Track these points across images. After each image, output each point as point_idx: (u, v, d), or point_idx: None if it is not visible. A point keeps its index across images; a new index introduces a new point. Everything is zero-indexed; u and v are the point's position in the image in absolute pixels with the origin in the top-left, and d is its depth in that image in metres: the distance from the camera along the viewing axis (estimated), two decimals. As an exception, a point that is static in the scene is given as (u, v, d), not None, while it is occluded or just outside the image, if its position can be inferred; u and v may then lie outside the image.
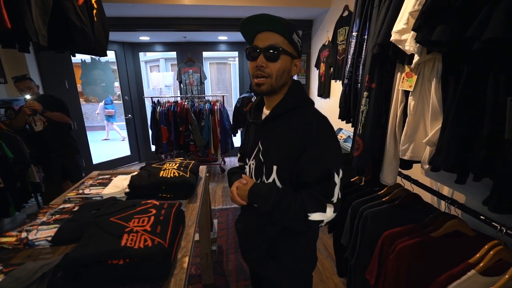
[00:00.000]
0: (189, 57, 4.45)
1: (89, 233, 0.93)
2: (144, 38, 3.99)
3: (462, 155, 0.76)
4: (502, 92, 0.66)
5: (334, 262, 2.08)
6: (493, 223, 0.88)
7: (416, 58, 0.87)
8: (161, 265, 0.89)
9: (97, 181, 1.61)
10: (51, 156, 2.47)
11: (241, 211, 1.02)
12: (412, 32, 0.83)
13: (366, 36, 1.22)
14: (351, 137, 2.56)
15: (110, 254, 0.84)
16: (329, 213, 0.77)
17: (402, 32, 0.88)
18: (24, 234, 1.01)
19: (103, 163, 4.23)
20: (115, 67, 4.27)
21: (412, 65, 0.90)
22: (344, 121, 1.45)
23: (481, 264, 0.83)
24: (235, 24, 3.24)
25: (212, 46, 4.57)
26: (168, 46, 4.51)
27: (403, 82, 0.98)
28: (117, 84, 4.45)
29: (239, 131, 4.52)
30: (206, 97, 4.16)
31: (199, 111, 3.88)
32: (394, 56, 0.97)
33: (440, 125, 0.87)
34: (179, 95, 4.49)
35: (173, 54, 4.61)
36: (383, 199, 1.35)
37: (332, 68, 2.98)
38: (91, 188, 1.48)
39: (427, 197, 1.37)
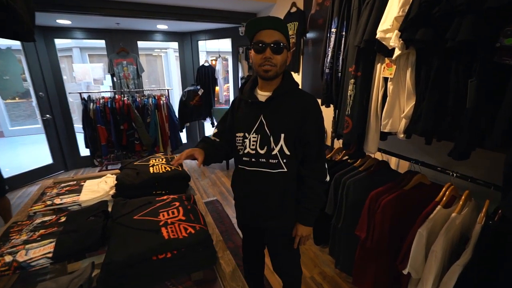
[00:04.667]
0: (121, 46, 4.04)
1: (118, 234, 0.91)
2: (63, 21, 3.41)
3: (435, 122, 1.10)
4: (461, 76, 1.00)
5: (307, 235, 2.38)
6: (447, 171, 1.28)
7: (397, 52, 1.17)
8: (207, 249, 0.94)
9: (64, 189, 1.44)
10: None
11: (243, 183, 1.19)
12: (396, 31, 1.13)
13: (344, 33, 1.50)
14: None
15: (158, 249, 0.86)
16: (326, 166, 1.14)
17: (387, 31, 1.17)
18: (9, 258, 0.87)
19: (15, 177, 3.47)
20: (20, 56, 3.50)
21: (393, 57, 1.20)
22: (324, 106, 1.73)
23: (444, 199, 1.21)
24: (177, 12, 3.13)
25: (148, 35, 4.26)
26: (95, 33, 3.97)
27: (384, 70, 1.29)
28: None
29: (186, 127, 4.42)
30: (149, 91, 3.89)
31: (143, 106, 3.62)
32: (378, 50, 1.26)
33: (413, 103, 1.21)
34: (113, 90, 4.04)
35: (91, 42, 4.06)
36: (359, 169, 1.69)
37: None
38: (61, 197, 1.33)
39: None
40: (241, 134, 1.14)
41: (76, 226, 1.01)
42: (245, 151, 1.13)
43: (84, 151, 4.05)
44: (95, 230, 0.96)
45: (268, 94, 1.11)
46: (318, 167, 1.12)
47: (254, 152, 1.11)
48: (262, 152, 1.09)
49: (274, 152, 1.08)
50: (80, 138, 3.87)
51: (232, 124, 1.20)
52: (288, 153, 1.08)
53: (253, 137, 1.11)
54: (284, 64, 1.07)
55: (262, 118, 1.09)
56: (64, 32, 3.82)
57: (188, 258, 0.88)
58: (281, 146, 1.07)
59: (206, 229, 0.97)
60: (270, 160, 1.09)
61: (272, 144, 1.07)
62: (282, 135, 1.07)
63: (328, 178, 1.15)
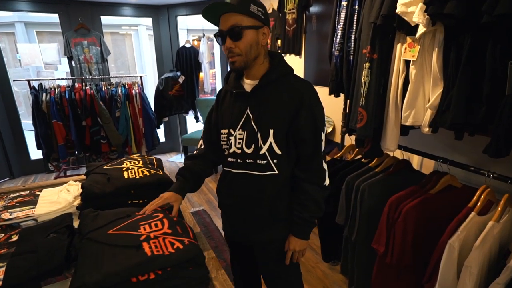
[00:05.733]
0: (81, 22, 3.97)
1: (89, 253, 0.90)
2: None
3: (467, 113, 1.12)
4: (498, 57, 1.01)
5: (314, 251, 2.41)
6: (481, 171, 1.30)
7: (422, 29, 1.18)
8: (198, 268, 0.94)
9: (14, 200, 1.42)
10: None
11: (228, 188, 1.21)
12: (421, 4, 1.14)
13: (356, 7, 1.51)
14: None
15: (139, 268, 0.85)
16: (325, 167, 1.14)
17: (409, 4, 1.18)
18: None
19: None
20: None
21: (417, 36, 1.21)
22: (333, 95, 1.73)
23: (478, 205, 1.23)
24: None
25: (115, 8, 4.20)
26: (45, 4, 3.87)
27: (406, 52, 1.30)
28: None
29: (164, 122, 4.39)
30: (118, 79, 3.84)
31: (111, 97, 3.58)
32: (398, 27, 1.26)
33: (441, 90, 1.22)
34: (71, 76, 3.97)
35: (40, 16, 3.96)
36: (376, 170, 1.70)
37: (280, 41, 3.28)
38: (10, 211, 1.31)
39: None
40: (226, 131, 1.16)
41: (33, 246, 0.99)
42: (231, 151, 1.15)
43: (36, 154, 3.97)
44: (58, 249, 0.94)
45: (255, 82, 1.12)
46: (314, 168, 1.12)
47: (240, 151, 1.12)
48: (249, 151, 1.11)
49: (262, 152, 1.09)
50: (30, 137, 3.79)
51: (217, 119, 1.23)
52: (279, 152, 1.09)
53: (239, 134, 1.12)
54: (254, 47, 1.06)
55: (249, 111, 1.11)
56: (3, 2, 3.69)
57: (176, 279, 0.87)
58: (270, 144, 1.08)
59: (196, 243, 0.97)
60: (258, 161, 1.10)
61: (260, 142, 1.08)
62: (271, 131, 1.08)
63: (327, 182, 1.14)
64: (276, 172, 1.11)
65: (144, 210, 1.10)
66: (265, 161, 1.10)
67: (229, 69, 1.19)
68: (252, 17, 1.03)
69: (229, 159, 1.17)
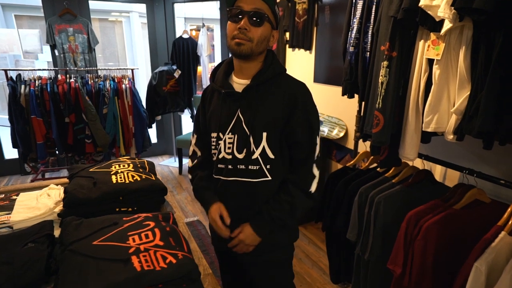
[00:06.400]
0: (66, 7, 4.01)
1: (71, 266, 0.91)
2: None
3: (497, 119, 1.12)
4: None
5: (321, 271, 2.41)
6: (513, 185, 1.30)
7: (447, 25, 1.19)
8: (193, 285, 0.94)
9: None
10: None
11: (220, 197, 1.23)
12: (447, -3, 1.15)
13: (375, -2, 1.52)
14: (319, 118, 2.95)
15: (127, 285, 0.86)
16: (316, 173, 1.17)
17: (434, -3, 1.19)
18: None
19: None
20: None
21: (442, 32, 1.22)
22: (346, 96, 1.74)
23: (509, 223, 1.23)
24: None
25: (105, -7, 4.24)
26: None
27: (429, 50, 1.31)
28: None
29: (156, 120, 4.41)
30: (106, 71, 3.86)
31: (98, 92, 3.60)
32: (421, 23, 1.27)
33: (468, 93, 1.23)
34: (53, 67, 4.01)
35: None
36: (393, 181, 1.70)
37: (288, 34, 3.31)
38: None
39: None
40: (215, 135, 1.20)
41: (8, 257, 1.00)
42: (220, 156, 1.19)
43: (10, 153, 3.99)
44: (37, 261, 0.95)
45: (246, 81, 1.16)
46: (303, 171, 1.16)
47: (230, 156, 1.16)
48: (240, 156, 1.14)
49: (254, 156, 1.13)
50: (5, 134, 3.81)
51: (204, 121, 1.26)
52: (272, 156, 1.14)
53: (228, 138, 1.17)
54: (264, 42, 1.12)
55: (239, 113, 1.15)
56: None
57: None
58: (263, 148, 1.13)
59: (191, 257, 0.98)
60: (250, 167, 1.15)
61: (252, 146, 1.13)
62: (265, 134, 1.12)
63: (314, 189, 1.17)
64: (269, 178, 1.15)
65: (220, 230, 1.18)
66: (257, 167, 1.14)
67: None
68: (273, 14, 1.11)
69: (218, 166, 1.20)
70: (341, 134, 2.70)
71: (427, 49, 1.32)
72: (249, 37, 1.07)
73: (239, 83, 1.18)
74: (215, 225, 1.18)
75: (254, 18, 1.06)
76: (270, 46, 1.18)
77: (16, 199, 1.46)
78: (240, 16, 1.06)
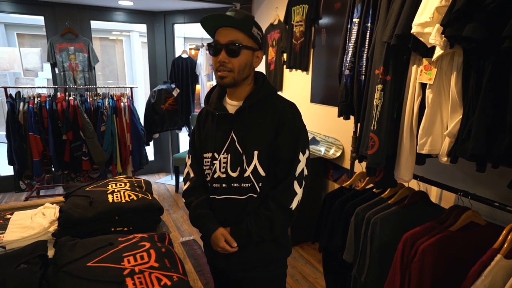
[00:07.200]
0: (68, 27, 4.08)
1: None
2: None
3: (489, 142, 1.14)
4: (522, 84, 1.05)
5: (318, 292, 2.37)
6: (508, 208, 1.31)
7: (439, 51, 1.22)
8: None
9: None
10: None
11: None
12: (437, 25, 1.19)
13: (369, 24, 1.57)
14: (316, 138, 2.98)
15: None
16: (298, 190, 1.20)
17: (425, 25, 1.23)
18: None
19: None
20: None
21: (434, 58, 1.26)
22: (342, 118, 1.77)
23: (505, 246, 1.23)
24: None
25: (107, 13, 4.33)
26: (30, 6, 3.98)
27: (422, 74, 1.34)
28: None
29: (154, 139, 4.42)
30: (105, 89, 3.90)
31: (96, 109, 3.63)
32: (413, 48, 1.31)
33: (460, 117, 1.26)
34: (53, 85, 4.05)
35: (23, 18, 4.03)
36: (389, 202, 1.71)
37: (286, 55, 3.37)
38: None
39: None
40: (209, 155, 1.25)
41: (0, 278, 0.99)
42: (215, 176, 1.22)
43: (5, 169, 3.96)
44: (29, 283, 0.94)
45: (238, 103, 1.22)
46: (283, 187, 1.19)
47: (225, 175, 1.20)
48: (234, 175, 1.19)
49: (246, 174, 1.18)
50: (1, 151, 3.80)
51: (200, 142, 1.31)
52: (263, 174, 1.19)
53: (223, 158, 1.22)
54: (247, 68, 1.18)
55: (233, 134, 1.21)
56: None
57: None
58: (255, 165, 1.18)
59: (186, 279, 0.98)
60: (243, 185, 1.19)
61: (245, 164, 1.18)
62: (256, 152, 1.18)
63: (294, 206, 1.20)
64: (256, 195, 1.20)
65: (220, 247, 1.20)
66: (249, 184, 1.19)
67: None
68: (251, 38, 1.16)
69: (214, 185, 1.23)
70: (338, 154, 2.72)
71: (420, 73, 1.36)
72: (230, 68, 1.13)
73: (232, 104, 1.24)
74: (223, 251, 1.21)
75: (231, 49, 1.12)
76: (256, 67, 1.24)
77: (10, 218, 1.44)
78: (218, 49, 1.13)
